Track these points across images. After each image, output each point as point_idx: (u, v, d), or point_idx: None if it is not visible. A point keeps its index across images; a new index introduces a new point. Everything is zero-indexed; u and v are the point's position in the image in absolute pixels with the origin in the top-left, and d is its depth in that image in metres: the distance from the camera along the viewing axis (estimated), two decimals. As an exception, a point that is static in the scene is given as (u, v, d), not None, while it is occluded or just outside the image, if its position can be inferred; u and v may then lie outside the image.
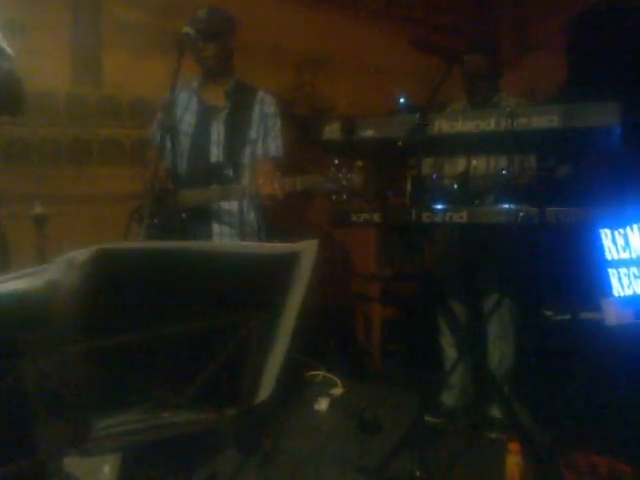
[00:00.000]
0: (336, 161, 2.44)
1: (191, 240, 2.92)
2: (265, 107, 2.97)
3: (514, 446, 2.47)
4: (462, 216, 2.59)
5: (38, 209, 3.03)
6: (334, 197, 2.46)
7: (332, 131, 2.73)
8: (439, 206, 2.67)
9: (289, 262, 1.27)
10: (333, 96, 4.58)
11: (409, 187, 2.66)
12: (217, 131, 2.93)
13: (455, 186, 2.67)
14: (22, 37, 3.98)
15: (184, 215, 2.86)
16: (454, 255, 3.20)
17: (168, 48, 4.03)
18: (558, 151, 2.61)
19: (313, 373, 4.07)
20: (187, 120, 2.98)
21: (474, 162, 3.07)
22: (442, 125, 2.51)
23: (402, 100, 2.73)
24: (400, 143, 2.40)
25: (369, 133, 2.63)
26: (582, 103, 2.31)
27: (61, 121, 4.09)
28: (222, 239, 2.94)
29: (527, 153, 2.71)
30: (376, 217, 2.78)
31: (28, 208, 3.08)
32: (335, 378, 3.96)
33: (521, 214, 2.43)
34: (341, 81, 4.57)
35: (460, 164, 3.14)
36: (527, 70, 4.39)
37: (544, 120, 2.35)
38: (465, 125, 2.46)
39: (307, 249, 1.27)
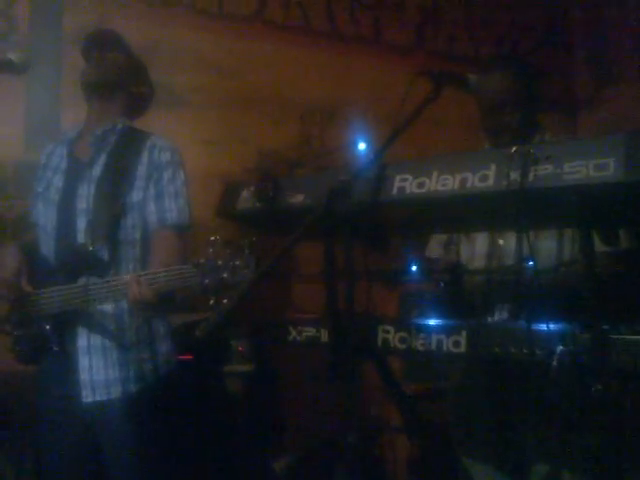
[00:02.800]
0: (213, 237, 1.44)
1: (56, 362, 2.02)
2: (156, 154, 2.00)
3: None
4: (459, 341, 1.46)
5: None
6: (212, 301, 1.42)
7: (250, 198, 1.72)
8: (423, 321, 1.55)
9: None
10: (347, 153, 3.58)
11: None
12: (86, 196, 2.01)
13: (441, 284, 1.55)
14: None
15: (47, 327, 1.97)
16: (471, 394, 1.98)
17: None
18: (624, 223, 1.43)
19: None
20: (55, 185, 2.09)
21: (500, 241, 1.92)
22: (407, 182, 1.43)
23: (361, 146, 1.68)
24: (317, 214, 1.33)
25: (298, 199, 1.60)
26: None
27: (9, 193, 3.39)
28: (91, 356, 1.96)
29: (559, 227, 1.55)
30: (324, 335, 1.71)
31: None
32: None
33: (560, 348, 1.27)
34: (358, 134, 3.56)
35: (480, 245, 2.00)
36: (607, 108, 3.21)
37: (589, 168, 1.22)
38: (443, 182, 1.37)
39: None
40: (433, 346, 1.49)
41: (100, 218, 1.98)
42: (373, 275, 1.45)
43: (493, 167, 1.31)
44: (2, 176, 3.35)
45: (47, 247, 2.12)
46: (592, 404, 1.25)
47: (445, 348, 1.47)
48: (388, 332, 1.58)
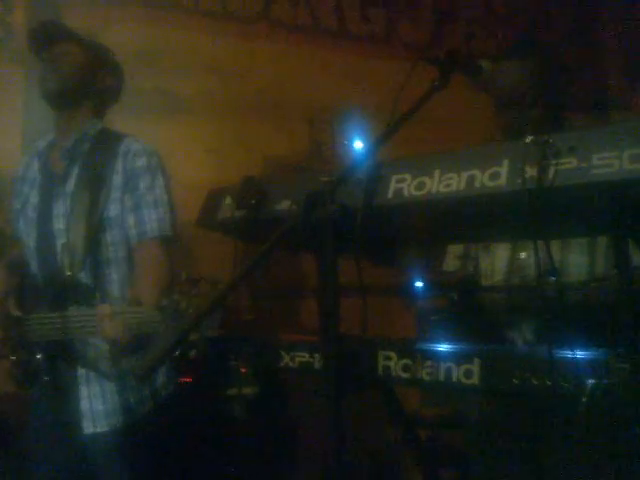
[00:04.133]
0: (184, 275, 1.27)
1: (48, 392, 1.91)
2: (130, 160, 1.83)
3: None
4: (471, 370, 1.23)
5: None
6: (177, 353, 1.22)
7: (231, 207, 1.53)
8: (430, 347, 1.33)
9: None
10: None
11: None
12: (62, 215, 1.85)
13: (455, 298, 1.34)
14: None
15: (39, 356, 1.84)
16: (489, 428, 1.73)
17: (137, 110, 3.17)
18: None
19: None
20: (32, 201, 1.94)
21: (522, 254, 1.69)
22: (404, 184, 1.22)
23: (358, 145, 1.48)
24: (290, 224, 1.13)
25: (284, 206, 1.40)
26: None
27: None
28: (90, 385, 1.83)
29: (588, 234, 1.32)
30: (318, 361, 1.50)
31: None
32: None
33: (591, 381, 1.04)
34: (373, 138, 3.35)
35: (500, 256, 1.77)
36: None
37: (623, 160, 1.00)
38: (447, 182, 1.15)
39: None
40: (441, 376, 1.26)
41: (77, 239, 1.82)
42: (367, 290, 1.24)
43: (505, 162, 1.09)
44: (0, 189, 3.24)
45: (33, 266, 1.99)
46: (630, 451, 1.02)
47: (455, 378, 1.24)
48: (390, 358, 1.36)
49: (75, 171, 1.88)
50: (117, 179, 1.83)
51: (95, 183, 1.83)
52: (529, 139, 1.04)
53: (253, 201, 1.41)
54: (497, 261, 1.77)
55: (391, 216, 1.24)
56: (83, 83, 1.89)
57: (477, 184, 1.11)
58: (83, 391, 1.84)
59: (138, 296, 1.67)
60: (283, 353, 1.56)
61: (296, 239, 1.36)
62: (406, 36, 3.57)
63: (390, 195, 1.20)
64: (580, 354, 1.06)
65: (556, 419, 1.21)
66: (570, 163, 1.04)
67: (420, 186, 1.17)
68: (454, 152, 1.18)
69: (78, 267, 1.77)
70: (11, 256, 2.09)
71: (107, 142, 1.89)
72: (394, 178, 1.21)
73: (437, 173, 1.16)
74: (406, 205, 1.19)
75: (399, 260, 1.51)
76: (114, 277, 1.84)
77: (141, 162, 1.83)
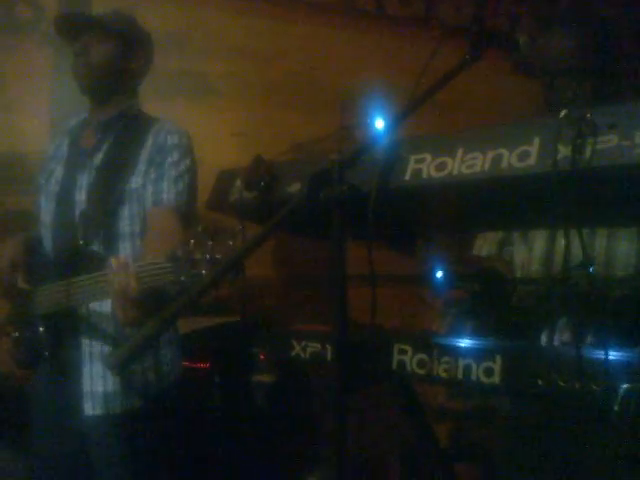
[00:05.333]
0: (199, 228, 1.21)
1: (50, 369, 1.88)
2: (161, 137, 1.82)
3: None
4: (491, 368, 1.13)
5: None
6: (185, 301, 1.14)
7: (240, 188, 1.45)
8: (449, 342, 1.23)
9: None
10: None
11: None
12: (85, 186, 1.84)
13: (476, 289, 1.24)
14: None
15: (41, 329, 1.82)
16: (514, 431, 1.60)
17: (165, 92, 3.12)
18: None
19: None
20: (55, 176, 1.94)
21: (562, 240, 1.56)
22: (424, 164, 1.11)
23: (379, 124, 1.37)
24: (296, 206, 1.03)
25: (296, 188, 1.31)
26: None
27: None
28: (92, 365, 1.78)
29: (629, 223, 1.20)
30: (330, 352, 1.41)
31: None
32: None
33: (625, 385, 0.93)
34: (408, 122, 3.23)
35: (538, 245, 1.63)
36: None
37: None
38: (470, 163, 1.05)
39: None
40: (459, 373, 1.16)
41: (95, 209, 1.80)
42: (378, 279, 1.15)
43: (536, 141, 0.98)
44: (27, 171, 3.25)
45: (47, 243, 1.98)
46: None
47: (474, 377, 1.14)
48: (405, 352, 1.27)
49: (105, 145, 1.87)
50: (144, 153, 1.80)
51: (122, 157, 1.82)
52: (563, 113, 0.93)
53: (262, 183, 1.33)
54: (534, 250, 1.64)
55: (408, 199, 1.14)
56: (116, 71, 1.88)
57: (504, 164, 1.00)
58: (86, 370, 1.80)
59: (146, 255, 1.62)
60: (294, 342, 1.48)
61: (308, 224, 1.28)
62: (447, 17, 3.43)
63: (408, 176, 1.10)
64: (613, 355, 0.95)
65: (586, 423, 1.10)
66: (610, 141, 0.92)
67: (441, 167, 1.07)
68: (479, 129, 1.07)
69: (92, 237, 1.75)
70: (26, 234, 2.09)
71: (141, 122, 1.88)
72: (413, 158, 1.11)
73: (460, 152, 1.05)
74: (425, 187, 1.09)
75: (420, 247, 1.42)
76: (128, 251, 1.80)
77: (172, 139, 1.81)
